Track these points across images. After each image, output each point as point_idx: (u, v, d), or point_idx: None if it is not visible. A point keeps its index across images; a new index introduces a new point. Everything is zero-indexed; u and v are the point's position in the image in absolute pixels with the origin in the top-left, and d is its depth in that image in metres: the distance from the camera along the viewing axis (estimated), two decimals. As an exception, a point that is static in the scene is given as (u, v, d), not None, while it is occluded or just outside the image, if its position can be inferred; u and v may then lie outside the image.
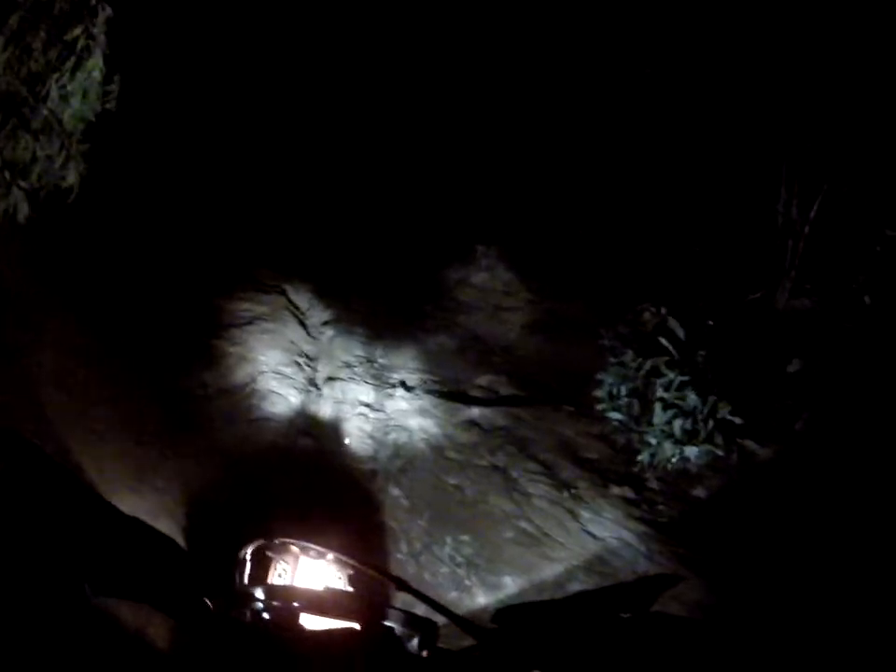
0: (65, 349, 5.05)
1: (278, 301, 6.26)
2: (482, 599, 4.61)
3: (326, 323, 6.15)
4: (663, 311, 5.79)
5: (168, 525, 4.38)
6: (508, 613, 3.33)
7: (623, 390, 5.65)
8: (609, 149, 7.18)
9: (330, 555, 3.76)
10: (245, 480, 4.91)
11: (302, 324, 6.12)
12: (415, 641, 3.21)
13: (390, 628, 3.21)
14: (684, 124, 6.83)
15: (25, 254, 5.10)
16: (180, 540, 4.31)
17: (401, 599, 4.15)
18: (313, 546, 3.75)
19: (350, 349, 5.95)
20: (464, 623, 3.15)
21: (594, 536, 4.92)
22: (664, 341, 5.58)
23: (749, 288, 6.33)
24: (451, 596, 4.62)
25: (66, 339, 5.11)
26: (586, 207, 7.14)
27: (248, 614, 3.28)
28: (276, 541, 3.70)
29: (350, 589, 3.65)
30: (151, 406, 5.17)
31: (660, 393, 5.52)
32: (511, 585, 4.81)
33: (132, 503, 4.31)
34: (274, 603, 3.26)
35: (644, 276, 6.41)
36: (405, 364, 5.92)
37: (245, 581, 3.60)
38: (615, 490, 5.46)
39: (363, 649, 3.04)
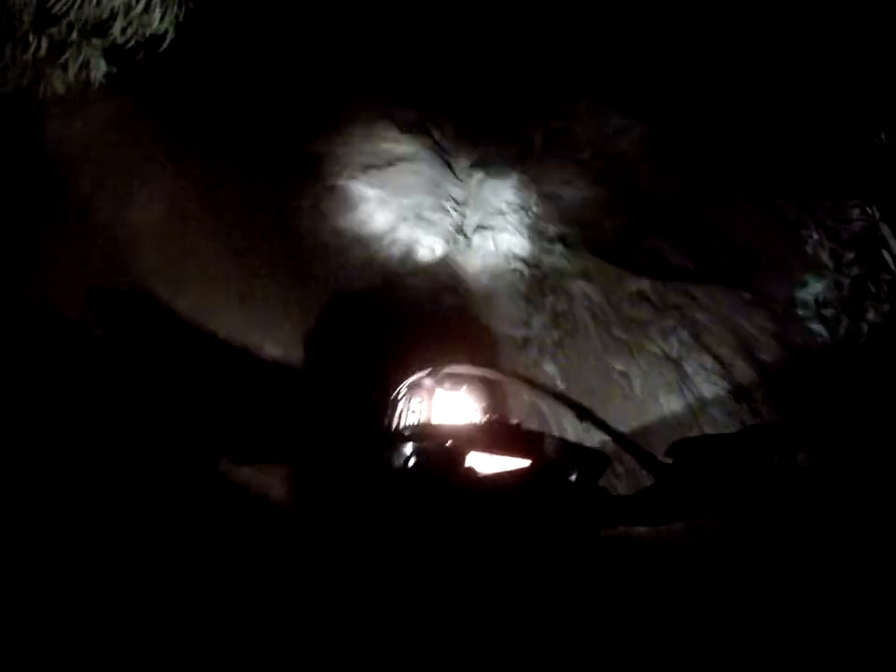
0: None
1: (423, 141, 5.36)
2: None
3: (475, 165, 5.22)
4: (876, 214, 4.78)
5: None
6: (683, 448, 3.03)
7: (831, 297, 4.69)
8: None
9: (465, 387, 3.53)
10: (377, 351, 4.24)
11: (449, 165, 5.20)
12: (581, 474, 2.96)
13: (562, 463, 2.94)
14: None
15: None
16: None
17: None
18: (477, 371, 3.54)
19: (502, 194, 5.04)
20: (643, 455, 3.11)
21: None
22: (886, 255, 4.67)
23: None
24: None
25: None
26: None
27: (403, 458, 2.99)
28: (439, 371, 3.43)
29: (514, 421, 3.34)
30: (278, 258, 4.67)
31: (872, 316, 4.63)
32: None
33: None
34: (434, 443, 2.92)
35: (849, 165, 5.23)
36: (565, 215, 4.92)
37: (398, 422, 3.35)
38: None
39: (537, 487, 2.84)
